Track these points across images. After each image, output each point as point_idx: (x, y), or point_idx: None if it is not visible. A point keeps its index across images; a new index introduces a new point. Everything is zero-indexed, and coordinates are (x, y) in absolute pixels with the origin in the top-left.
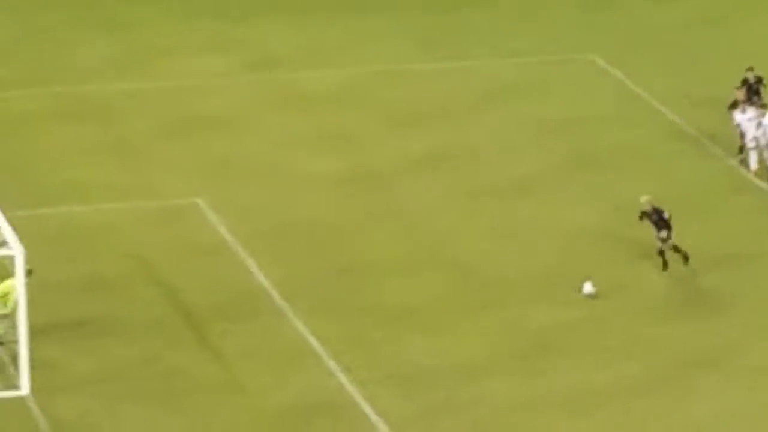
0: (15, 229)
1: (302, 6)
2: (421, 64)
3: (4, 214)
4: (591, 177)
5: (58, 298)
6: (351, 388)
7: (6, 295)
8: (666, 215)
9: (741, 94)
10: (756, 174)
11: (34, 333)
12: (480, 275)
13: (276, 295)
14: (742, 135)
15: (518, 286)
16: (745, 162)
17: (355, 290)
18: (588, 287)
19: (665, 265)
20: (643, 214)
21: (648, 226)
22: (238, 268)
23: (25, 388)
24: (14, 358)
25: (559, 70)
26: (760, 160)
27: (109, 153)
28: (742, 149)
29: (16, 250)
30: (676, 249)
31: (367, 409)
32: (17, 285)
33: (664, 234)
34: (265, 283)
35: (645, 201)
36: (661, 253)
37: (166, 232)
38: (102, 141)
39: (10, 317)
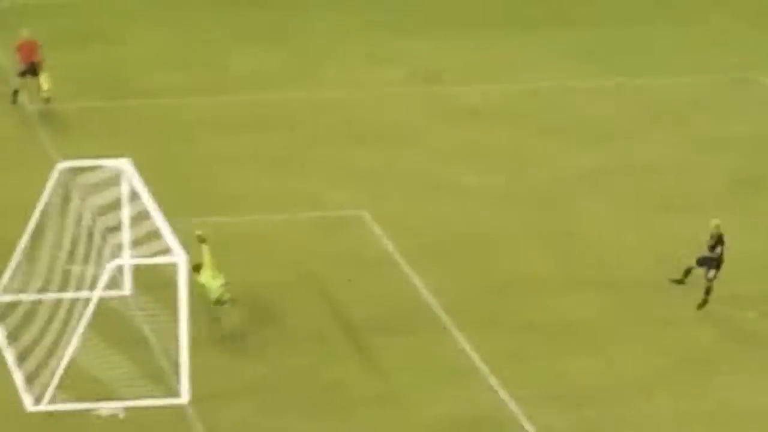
0: (179, 236)
1: (473, 20)
2: (591, 81)
3: (169, 220)
4: (760, 197)
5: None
6: (510, 404)
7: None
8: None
9: None
10: None
11: (196, 341)
12: (646, 294)
13: (438, 309)
14: None
15: (684, 306)
16: None
17: (516, 306)
18: None
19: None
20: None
21: None
22: (401, 282)
23: (184, 395)
24: (175, 366)
25: (733, 89)
26: None
27: (274, 162)
28: None
29: (179, 257)
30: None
31: (527, 425)
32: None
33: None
34: (427, 296)
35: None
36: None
37: (330, 244)
38: (268, 150)
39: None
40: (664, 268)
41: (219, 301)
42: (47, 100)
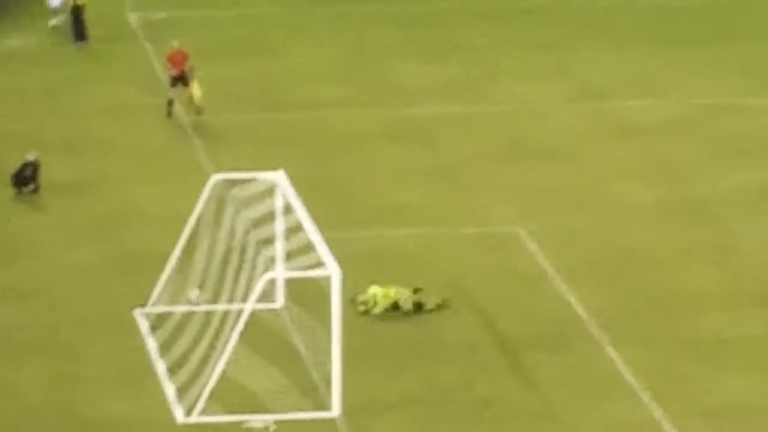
0: (334, 249)
1: (628, 36)
2: (749, 99)
3: (324, 233)
4: None
5: (374, 321)
6: (663, 422)
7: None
8: None
9: None
10: None
11: (348, 354)
12: None
13: (593, 325)
14: None
15: None
16: None
17: (673, 322)
18: None
19: None
20: None
21: None
22: (557, 299)
23: (336, 409)
24: (326, 379)
25: None
26: None
27: (432, 176)
28: None
29: (332, 270)
30: None
31: None
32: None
33: None
34: (583, 313)
35: None
36: None
37: (486, 259)
38: (426, 164)
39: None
40: None
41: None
42: (199, 111)
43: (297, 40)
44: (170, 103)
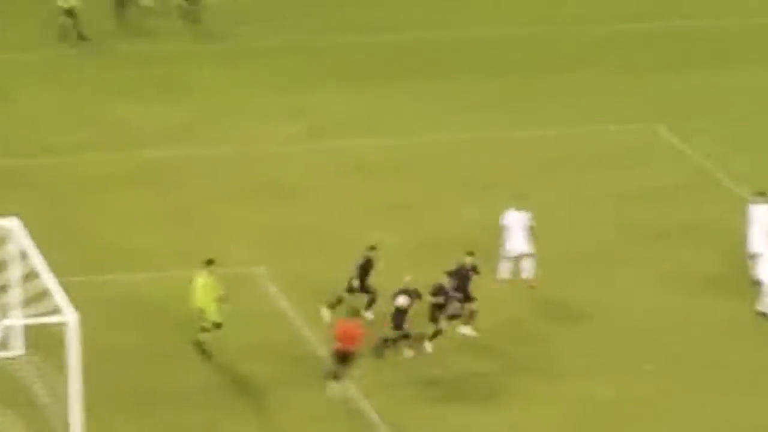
0: (73, 294)
1: (364, 74)
2: (484, 133)
3: (62, 278)
4: (660, 247)
5: (115, 365)
6: None
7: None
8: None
9: None
10: None
11: (91, 399)
12: (545, 344)
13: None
14: None
15: (573, 357)
16: None
17: (409, 361)
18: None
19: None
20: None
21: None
22: (298, 338)
23: None
24: (66, 426)
25: (632, 140)
26: None
27: (171, 219)
28: None
29: (68, 315)
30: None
31: None
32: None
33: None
34: (324, 352)
35: None
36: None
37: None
38: (164, 207)
39: None
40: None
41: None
42: None
43: (29, 84)
44: None
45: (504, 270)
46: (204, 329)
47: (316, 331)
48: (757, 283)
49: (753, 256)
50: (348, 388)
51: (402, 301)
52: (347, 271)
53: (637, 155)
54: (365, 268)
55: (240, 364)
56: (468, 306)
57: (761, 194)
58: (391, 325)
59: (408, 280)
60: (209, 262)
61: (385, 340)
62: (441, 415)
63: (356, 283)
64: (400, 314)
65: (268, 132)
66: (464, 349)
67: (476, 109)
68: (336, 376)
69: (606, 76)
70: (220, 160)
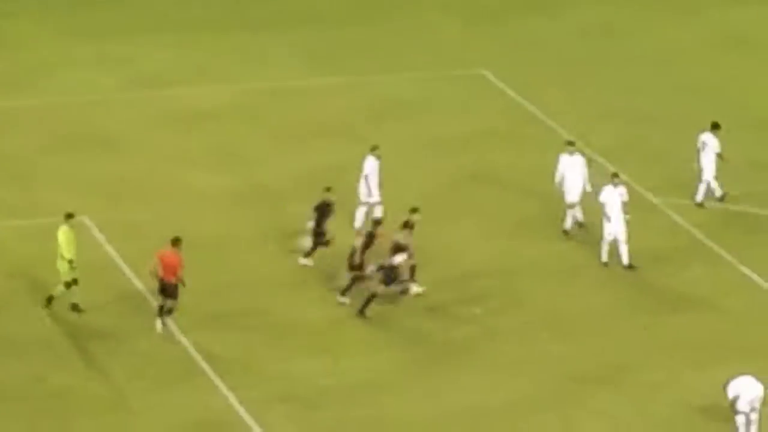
0: None
1: (189, 24)
2: (311, 81)
3: None
4: (486, 193)
5: None
6: (239, 407)
7: None
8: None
9: None
10: None
11: None
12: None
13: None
14: None
15: (406, 302)
16: None
17: (244, 308)
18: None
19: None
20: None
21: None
22: (125, 287)
23: None
24: None
25: (450, 86)
26: None
27: None
28: None
29: None
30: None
31: (256, 429)
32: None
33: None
34: (153, 301)
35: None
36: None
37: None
38: None
39: None
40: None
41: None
42: None
43: None
44: None
45: (360, 218)
46: (68, 284)
47: (144, 279)
48: (573, 230)
49: (570, 206)
50: (167, 322)
51: (399, 259)
52: (171, 218)
53: (463, 101)
54: (321, 211)
55: (67, 314)
56: (408, 262)
57: (570, 143)
58: (383, 281)
59: (401, 236)
60: (69, 216)
61: (373, 295)
62: (264, 355)
63: (310, 224)
64: (392, 271)
65: (90, 82)
66: (301, 299)
67: (305, 57)
68: (161, 310)
69: (433, 22)
70: (41, 111)
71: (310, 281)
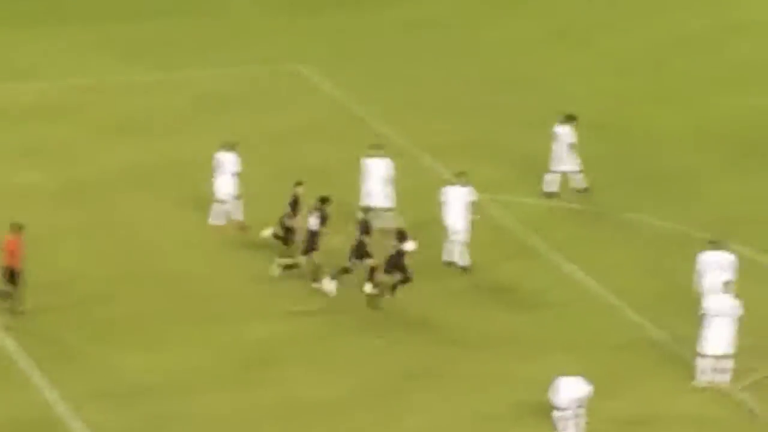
0: None
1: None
2: (125, 76)
3: None
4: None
5: None
6: (61, 404)
7: None
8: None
9: None
10: None
11: None
12: (195, 289)
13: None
14: None
15: (234, 299)
16: None
17: (64, 304)
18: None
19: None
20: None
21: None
22: None
23: None
24: None
25: (268, 81)
26: None
27: None
28: None
29: None
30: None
31: (78, 424)
32: None
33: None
34: None
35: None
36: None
37: None
38: None
39: None
40: (213, 263)
41: None
42: None
43: None
44: None
45: (215, 214)
46: None
47: None
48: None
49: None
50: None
51: (411, 246)
52: None
53: (280, 95)
54: (294, 206)
55: None
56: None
57: (376, 147)
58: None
59: (400, 221)
60: None
61: (393, 287)
62: (84, 350)
63: (315, 225)
64: (402, 257)
65: None
66: (130, 294)
67: (120, 53)
68: (3, 296)
69: (251, 16)
70: None
71: (135, 278)
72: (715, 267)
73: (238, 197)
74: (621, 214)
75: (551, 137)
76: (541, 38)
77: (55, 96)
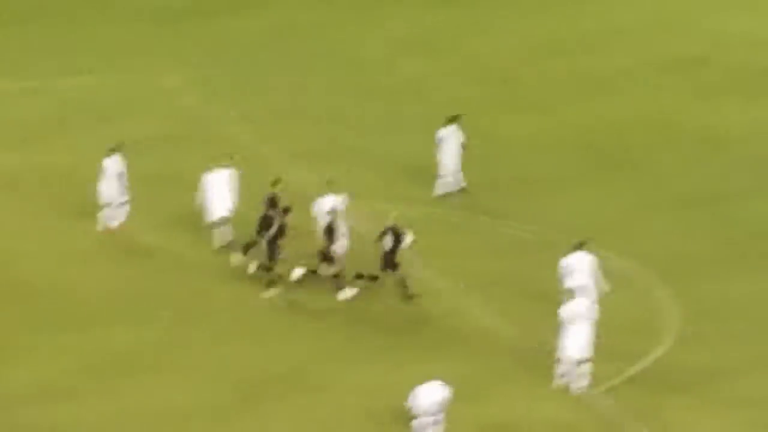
0: None
1: None
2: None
3: None
4: (179, 197)
5: None
6: None
7: None
8: None
9: None
10: None
11: None
12: (54, 297)
13: None
14: None
15: (97, 306)
16: None
17: None
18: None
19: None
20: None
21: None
22: None
23: None
24: None
25: (130, 90)
26: None
27: None
28: None
29: None
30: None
31: None
32: None
33: None
34: None
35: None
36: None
37: None
38: None
39: None
40: (76, 271)
41: None
42: None
43: None
44: None
45: (106, 218)
46: None
47: None
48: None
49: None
50: None
51: (410, 240)
52: None
53: (138, 105)
54: (273, 203)
55: None
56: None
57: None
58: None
59: (396, 215)
60: None
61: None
62: None
63: (323, 224)
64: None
65: None
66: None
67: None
68: None
69: (121, 23)
70: None
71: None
72: (576, 271)
73: (124, 201)
74: (481, 219)
75: (436, 143)
76: (406, 46)
77: None
